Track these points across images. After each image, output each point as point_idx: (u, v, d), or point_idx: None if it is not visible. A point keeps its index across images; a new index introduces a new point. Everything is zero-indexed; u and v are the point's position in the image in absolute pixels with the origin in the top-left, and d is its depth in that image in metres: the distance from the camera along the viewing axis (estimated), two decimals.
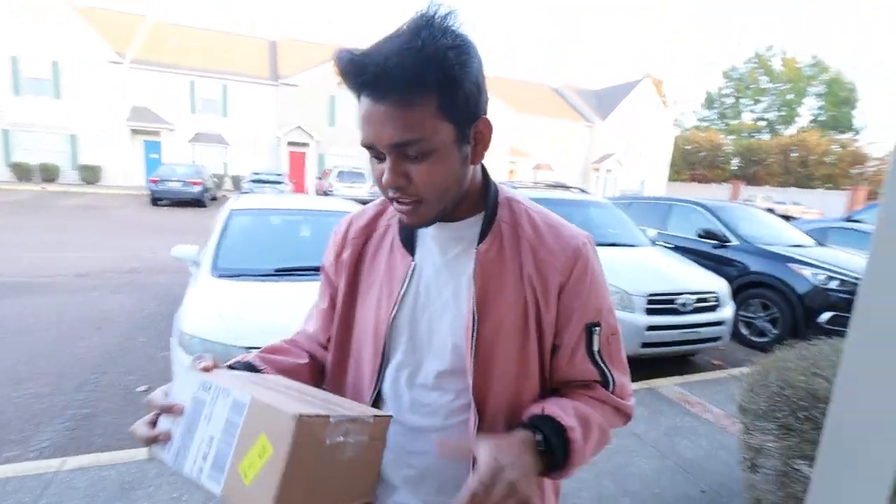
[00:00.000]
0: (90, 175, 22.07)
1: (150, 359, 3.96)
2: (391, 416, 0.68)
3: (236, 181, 23.78)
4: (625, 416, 0.83)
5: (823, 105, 43.88)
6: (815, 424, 1.59)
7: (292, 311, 2.93)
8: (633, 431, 3.08)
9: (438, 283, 0.78)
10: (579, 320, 0.78)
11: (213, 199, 19.25)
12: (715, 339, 4.27)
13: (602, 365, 0.80)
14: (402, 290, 0.79)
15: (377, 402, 0.81)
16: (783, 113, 45.86)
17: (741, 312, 5.28)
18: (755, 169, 39.72)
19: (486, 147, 0.72)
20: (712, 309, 4.24)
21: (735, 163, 42.60)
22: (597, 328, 0.79)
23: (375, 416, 0.64)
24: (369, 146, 0.68)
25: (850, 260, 5.32)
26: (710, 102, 50.45)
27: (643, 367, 4.34)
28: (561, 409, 0.73)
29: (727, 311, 4.32)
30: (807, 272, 4.91)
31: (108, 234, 10.08)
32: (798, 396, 1.69)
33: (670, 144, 35.55)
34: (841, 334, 2.35)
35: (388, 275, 0.82)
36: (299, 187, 24.52)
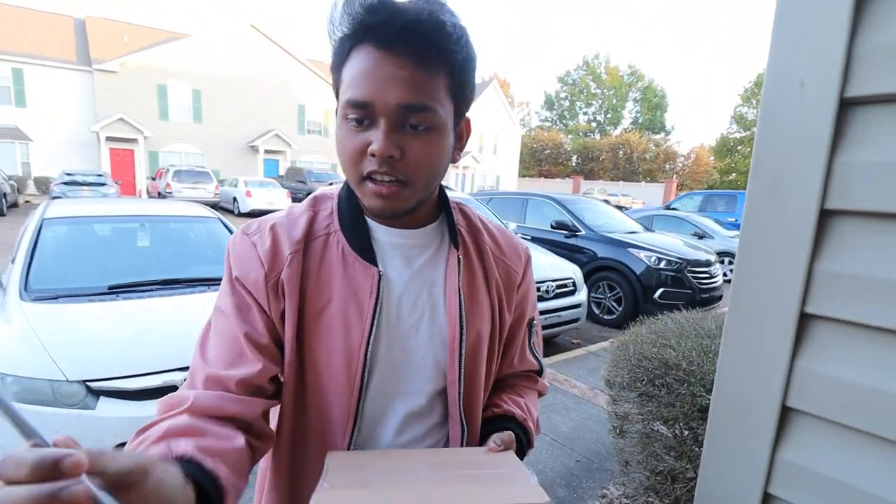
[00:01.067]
0: None
1: None
2: (549, 501, 0.57)
3: (42, 183, 19.84)
4: (543, 395, 0.92)
5: (640, 109, 51.35)
6: (670, 389, 1.82)
7: (137, 332, 2.59)
8: None
9: (410, 297, 0.70)
10: (525, 318, 0.84)
11: (15, 205, 15.88)
12: (574, 321, 4.72)
13: (537, 355, 0.88)
14: (376, 308, 0.66)
15: (354, 440, 0.69)
16: (610, 115, 52.62)
17: (592, 294, 5.92)
18: (591, 165, 45.08)
19: (463, 146, 0.70)
20: (570, 293, 4.68)
21: (574, 160, 47.82)
22: (534, 322, 0.87)
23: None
24: (362, 104, 0.57)
25: (671, 242, 6.29)
26: (549, 104, 55.75)
27: None
28: (525, 414, 0.80)
29: (583, 295, 4.80)
30: (642, 255, 5.69)
31: None
32: (653, 366, 1.92)
33: (518, 143, 38.61)
34: (671, 307, 2.74)
35: (351, 290, 0.66)
36: (128, 189, 21.33)
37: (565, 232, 6.45)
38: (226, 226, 4.03)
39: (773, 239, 0.87)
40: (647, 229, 7.13)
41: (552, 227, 6.58)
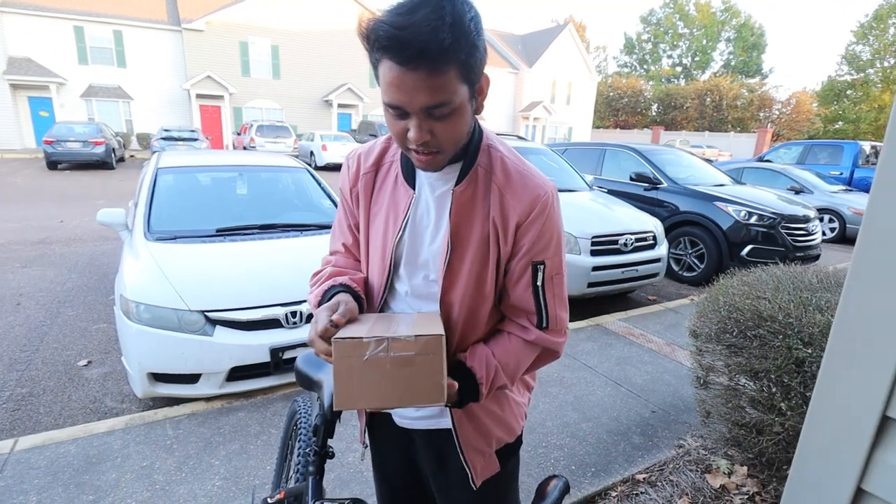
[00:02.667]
0: None
1: (83, 332, 3.66)
2: (441, 335, 0.76)
3: (143, 139, 21.63)
4: (553, 353, 0.97)
5: (734, 50, 46.44)
6: (762, 341, 1.78)
7: (244, 271, 2.88)
8: (587, 365, 3.31)
9: (427, 215, 0.94)
10: (525, 255, 0.91)
11: (122, 159, 17.51)
12: (653, 276, 4.59)
13: (541, 299, 0.93)
14: (405, 218, 0.93)
15: (386, 301, 1.01)
16: (698, 58, 48.09)
17: (672, 250, 5.69)
18: (673, 114, 41.79)
19: (484, 99, 0.85)
20: (650, 247, 4.54)
21: (655, 109, 44.54)
22: (541, 266, 0.92)
23: (417, 335, 0.76)
24: (396, 107, 0.76)
25: (764, 196, 5.84)
26: (629, 48, 51.76)
27: (589, 305, 4.61)
28: (478, 365, 0.92)
29: (663, 249, 4.64)
30: (730, 209, 5.35)
31: (4, 205, 8.95)
32: (745, 318, 1.87)
33: (594, 91, 36.39)
34: (759, 265, 2.60)
35: (393, 204, 0.95)
36: (217, 144, 22.74)
37: (645, 184, 6.17)
38: (312, 175, 4.26)
39: None
40: (737, 182, 6.64)
41: (631, 179, 6.31)
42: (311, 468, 1.09)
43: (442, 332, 0.77)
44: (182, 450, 2.31)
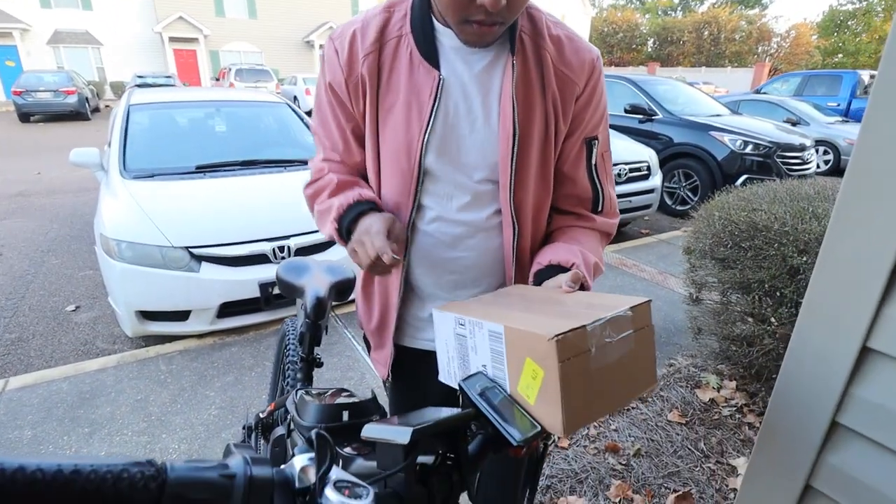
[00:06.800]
0: None
1: (70, 279, 3.60)
2: (650, 301, 0.61)
3: (118, 88, 20.70)
4: (609, 237, 0.90)
5: None
6: (757, 251, 1.75)
7: (227, 207, 2.79)
8: None
9: (467, 98, 0.75)
10: (581, 132, 0.81)
11: (97, 110, 16.82)
12: (646, 207, 4.55)
13: (597, 180, 0.85)
14: (433, 106, 0.74)
15: (415, 225, 0.83)
16: None
17: (665, 184, 5.61)
18: (669, 49, 40.38)
19: None
20: (644, 178, 4.46)
21: (651, 44, 43.03)
22: (595, 142, 0.83)
23: (632, 307, 0.59)
24: None
25: (761, 126, 5.71)
26: None
27: None
28: (578, 260, 0.78)
29: (657, 180, 4.57)
30: (726, 139, 5.23)
31: None
32: (740, 230, 1.84)
33: (588, 26, 34.97)
34: None
35: (414, 91, 0.75)
36: None
37: (640, 116, 6.00)
38: (293, 110, 4.08)
39: None
40: (735, 113, 6.48)
41: (626, 111, 6.12)
42: (299, 375, 1.07)
43: (648, 297, 0.62)
44: (176, 383, 2.31)
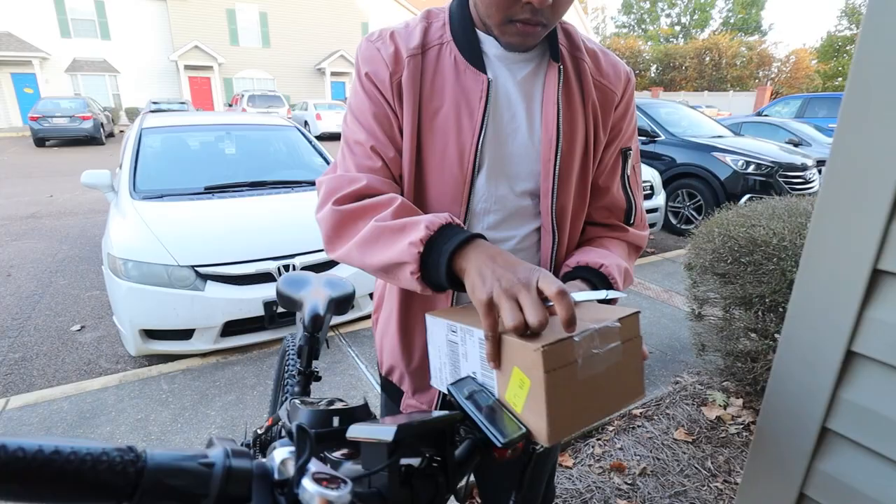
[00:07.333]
0: None
1: (76, 300, 3.64)
2: (638, 312, 0.61)
3: (132, 114, 21.19)
4: (640, 250, 0.88)
5: (732, 7, 45.18)
6: (756, 266, 1.75)
7: (234, 226, 2.83)
8: None
9: (511, 105, 0.75)
10: (618, 143, 0.82)
11: (111, 135, 17.21)
12: (650, 226, 4.55)
13: (630, 191, 0.85)
14: (485, 111, 0.72)
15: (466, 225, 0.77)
16: (697, 16, 46.83)
17: (669, 203, 5.63)
18: (672, 74, 40.94)
19: None
20: (647, 198, 4.48)
21: (654, 70, 43.65)
22: (629, 152, 0.84)
23: (620, 318, 0.58)
24: None
25: (763, 146, 5.74)
26: (627, 8, 50.34)
27: None
28: (608, 263, 0.76)
29: (660, 199, 4.59)
30: (728, 159, 5.26)
31: None
32: (740, 245, 1.84)
33: None
34: None
35: (463, 95, 0.73)
36: None
37: (643, 138, 6.05)
38: (303, 133, 4.16)
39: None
40: (737, 134, 6.52)
41: None
42: (296, 388, 1.07)
43: (637, 309, 0.62)
44: (177, 402, 2.31)
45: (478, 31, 0.75)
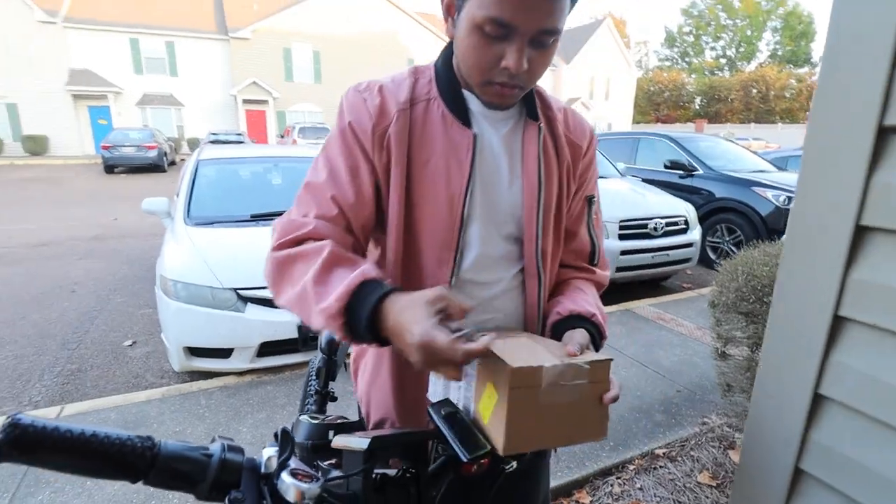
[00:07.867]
0: (35, 146, 20.77)
1: (130, 316, 3.91)
2: (611, 360, 0.67)
3: (193, 144, 22.70)
4: (602, 286, 0.96)
5: (781, 39, 44.24)
6: None
7: None
8: (613, 347, 3.27)
9: (495, 158, 0.81)
10: (583, 191, 0.90)
11: (173, 163, 18.45)
12: (685, 261, 4.47)
13: (593, 235, 0.93)
14: (472, 164, 0.77)
15: (455, 273, 0.79)
16: (743, 49, 46.08)
17: (708, 238, 5.51)
18: (717, 107, 40.21)
19: None
20: (682, 232, 4.42)
21: (698, 101, 42.99)
22: (593, 199, 0.92)
23: (590, 362, 0.65)
24: (505, 24, 0.65)
25: None
26: (671, 41, 50.15)
27: (619, 291, 4.54)
28: (594, 309, 0.83)
29: (695, 234, 4.51)
30: (769, 194, 5.13)
31: (65, 205, 9.63)
32: (762, 284, 1.82)
33: (634, 86, 35.49)
34: None
35: (451, 147, 0.77)
36: None
37: (681, 172, 5.99)
38: None
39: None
40: (780, 169, 6.35)
41: (665, 167, 6.14)
42: (313, 407, 1.16)
43: (610, 356, 0.68)
44: (213, 418, 2.45)
45: (464, 90, 0.81)
